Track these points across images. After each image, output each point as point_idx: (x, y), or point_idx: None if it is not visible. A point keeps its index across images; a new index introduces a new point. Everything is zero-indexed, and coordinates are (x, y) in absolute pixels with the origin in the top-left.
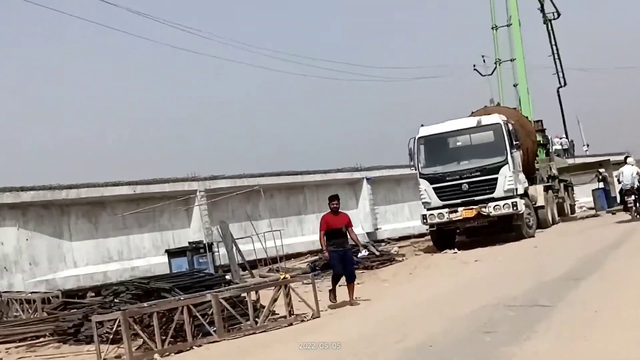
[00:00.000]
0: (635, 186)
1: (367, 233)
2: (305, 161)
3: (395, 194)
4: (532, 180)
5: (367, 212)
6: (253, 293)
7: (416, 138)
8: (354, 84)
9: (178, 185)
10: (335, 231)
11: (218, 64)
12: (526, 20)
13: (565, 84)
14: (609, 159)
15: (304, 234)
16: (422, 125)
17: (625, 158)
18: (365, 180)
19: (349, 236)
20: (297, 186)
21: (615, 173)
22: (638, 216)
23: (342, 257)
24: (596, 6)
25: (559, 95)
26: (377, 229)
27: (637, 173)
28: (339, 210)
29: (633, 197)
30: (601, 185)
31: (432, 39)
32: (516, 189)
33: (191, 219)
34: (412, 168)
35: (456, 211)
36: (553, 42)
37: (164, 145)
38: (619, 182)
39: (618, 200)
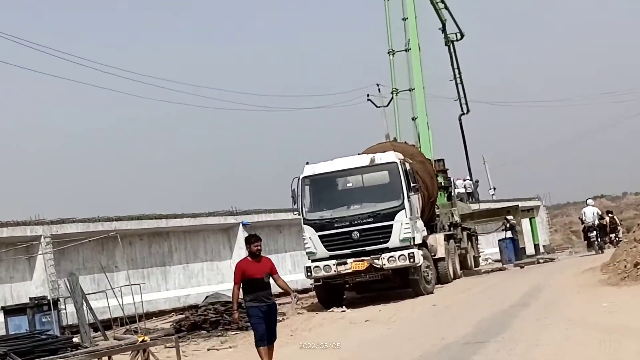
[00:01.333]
0: (597, 223)
1: None
2: (171, 203)
3: (276, 243)
4: (431, 228)
5: None
6: (106, 359)
7: (300, 178)
8: (231, 114)
9: (18, 229)
10: (256, 282)
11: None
12: (430, 45)
13: (468, 110)
14: (517, 205)
15: (169, 288)
16: (307, 163)
17: (586, 200)
18: (241, 226)
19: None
20: (161, 232)
21: (581, 212)
22: (601, 251)
23: (265, 314)
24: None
25: (460, 124)
26: None
27: (597, 213)
28: (261, 255)
29: (595, 232)
30: (509, 234)
31: (325, 63)
32: (413, 238)
33: (33, 270)
34: (296, 213)
35: (345, 263)
36: (455, 65)
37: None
38: (582, 222)
39: (538, 250)
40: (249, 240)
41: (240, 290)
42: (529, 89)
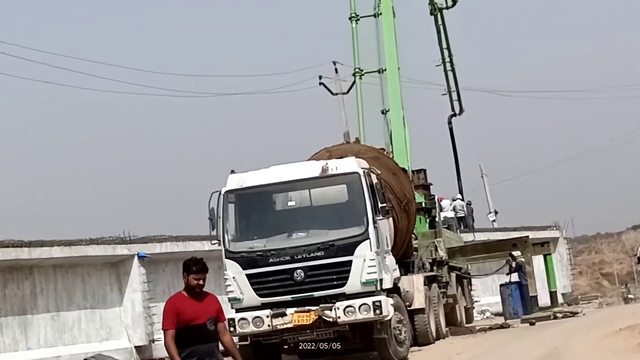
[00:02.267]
0: None
1: (135, 347)
2: (36, 226)
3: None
4: (406, 267)
5: (139, 312)
6: None
7: (222, 193)
8: (119, 99)
9: None
10: (197, 330)
11: None
12: (409, 12)
13: (461, 110)
14: (527, 237)
15: (30, 346)
16: (232, 172)
17: None
18: (136, 259)
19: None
20: (22, 266)
21: (638, 249)
22: None
23: None
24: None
25: (450, 129)
26: (153, 341)
27: None
28: (204, 291)
29: None
30: (515, 277)
31: (259, 30)
32: (381, 280)
33: None
34: (215, 242)
35: (284, 315)
36: (444, 44)
37: None
38: (639, 261)
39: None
40: (188, 268)
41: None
42: (546, 75)
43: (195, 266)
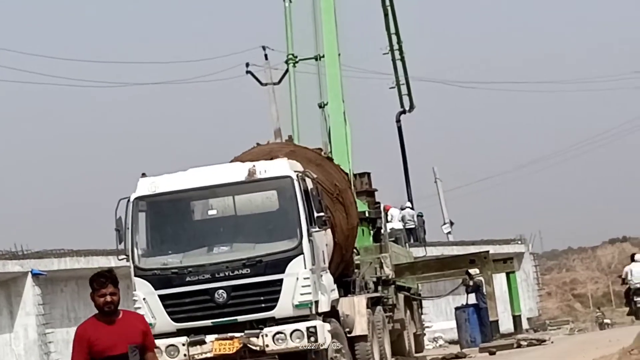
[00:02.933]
0: None
1: None
2: None
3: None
4: (346, 287)
5: (33, 339)
6: None
7: (131, 199)
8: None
9: None
10: None
11: None
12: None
13: (412, 106)
14: (487, 252)
15: None
16: (142, 176)
17: (633, 255)
18: (30, 277)
19: None
20: None
21: (624, 270)
22: None
23: None
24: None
25: (399, 128)
26: None
27: None
28: (118, 309)
29: None
30: (472, 299)
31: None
32: (316, 302)
33: None
34: (123, 257)
35: (203, 342)
36: (393, 30)
37: None
38: (624, 282)
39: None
40: (91, 284)
41: None
42: (512, 63)
43: (97, 280)
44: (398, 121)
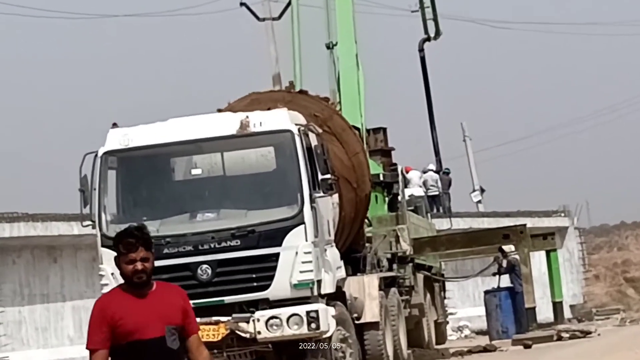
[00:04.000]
0: None
1: None
2: None
3: (47, 282)
4: (355, 265)
5: None
6: None
7: (99, 155)
8: None
9: None
10: (148, 349)
11: None
12: None
13: (438, 33)
14: (524, 225)
15: None
16: (113, 126)
17: None
18: None
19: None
20: None
21: None
22: None
23: None
24: None
25: (422, 58)
26: None
27: None
28: (151, 280)
29: None
30: (505, 281)
31: None
32: (319, 281)
33: None
34: (88, 223)
35: None
36: None
37: None
38: None
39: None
40: (119, 244)
41: None
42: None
43: (124, 241)
44: (421, 50)
